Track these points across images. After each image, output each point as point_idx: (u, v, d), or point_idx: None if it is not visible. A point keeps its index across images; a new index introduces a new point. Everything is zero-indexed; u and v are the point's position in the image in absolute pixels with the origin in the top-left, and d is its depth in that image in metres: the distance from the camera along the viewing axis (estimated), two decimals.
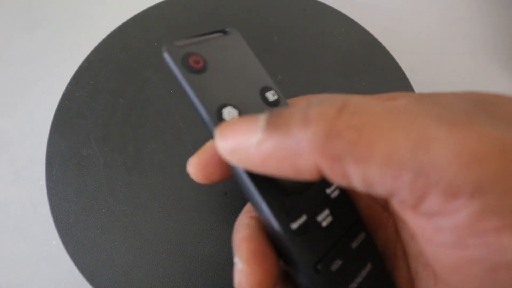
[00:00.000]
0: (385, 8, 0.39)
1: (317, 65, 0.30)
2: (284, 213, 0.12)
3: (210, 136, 0.13)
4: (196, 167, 0.15)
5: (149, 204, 0.24)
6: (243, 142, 0.11)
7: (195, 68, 0.13)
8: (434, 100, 0.11)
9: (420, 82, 0.31)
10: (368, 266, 0.13)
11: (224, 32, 0.15)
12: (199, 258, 0.23)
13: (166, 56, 0.13)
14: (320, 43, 0.31)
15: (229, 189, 0.25)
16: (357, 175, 0.10)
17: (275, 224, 0.12)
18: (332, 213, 0.13)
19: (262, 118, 0.11)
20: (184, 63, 0.13)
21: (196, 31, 0.31)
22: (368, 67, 0.30)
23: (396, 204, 0.12)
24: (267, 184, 0.13)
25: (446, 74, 0.35)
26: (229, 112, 0.13)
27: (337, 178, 0.10)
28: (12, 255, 0.27)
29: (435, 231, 0.10)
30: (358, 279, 0.13)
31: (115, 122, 0.27)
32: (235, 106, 0.13)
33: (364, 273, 0.13)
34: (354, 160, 0.10)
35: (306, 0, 0.33)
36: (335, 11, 0.33)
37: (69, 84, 0.28)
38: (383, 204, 0.15)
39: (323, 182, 0.14)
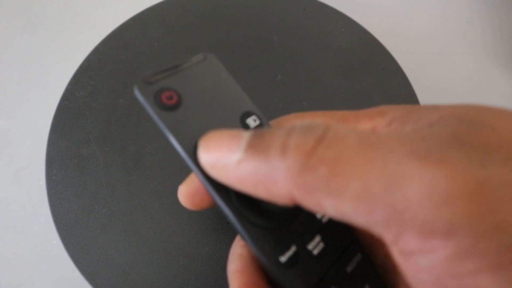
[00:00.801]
0: (385, 8, 0.39)
1: (317, 65, 0.30)
2: (272, 246, 0.12)
3: (190, 170, 0.13)
4: (185, 196, 0.15)
5: (149, 204, 0.24)
6: (223, 159, 0.11)
7: (168, 104, 0.13)
8: (415, 123, 0.11)
9: (420, 82, 0.31)
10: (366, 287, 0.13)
11: (199, 58, 0.14)
12: (199, 258, 0.23)
13: (138, 94, 0.12)
14: (320, 43, 0.31)
15: None
16: (331, 208, 0.10)
17: (263, 258, 0.12)
18: (323, 239, 0.13)
19: (245, 137, 0.11)
20: (157, 100, 0.12)
21: (196, 31, 0.31)
22: (368, 67, 0.30)
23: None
24: (252, 216, 0.12)
25: (446, 74, 0.35)
26: (203, 137, 0.13)
27: (312, 207, 0.10)
28: (12, 255, 0.27)
29: (415, 268, 0.10)
30: None
31: (115, 122, 0.27)
32: None
33: None
34: (327, 193, 0.10)
35: (306, 0, 0.33)
36: (335, 11, 0.33)
37: (69, 84, 0.28)
38: (372, 233, 0.15)
39: None
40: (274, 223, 0.12)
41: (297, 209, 0.13)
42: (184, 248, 0.23)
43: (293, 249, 0.12)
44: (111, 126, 0.27)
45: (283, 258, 0.12)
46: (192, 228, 0.24)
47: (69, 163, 0.26)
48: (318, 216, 0.13)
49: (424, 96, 0.31)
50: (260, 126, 0.14)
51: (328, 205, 0.10)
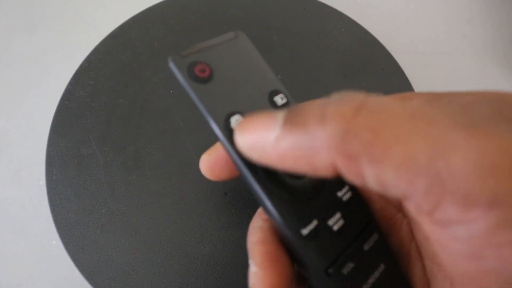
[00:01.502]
0: (385, 8, 0.39)
1: (317, 65, 0.30)
2: (295, 219, 0.12)
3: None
4: (206, 165, 0.15)
5: (149, 204, 0.24)
6: (261, 139, 0.11)
7: (201, 77, 0.13)
8: (452, 101, 0.11)
9: (420, 82, 0.31)
10: (381, 267, 0.13)
11: (230, 35, 0.15)
12: (199, 258, 0.23)
13: (172, 66, 0.13)
14: (320, 43, 0.31)
15: (229, 189, 0.25)
16: (372, 176, 0.10)
17: (285, 230, 0.12)
18: (343, 216, 0.13)
19: (280, 115, 0.11)
20: (190, 73, 0.13)
21: (196, 31, 0.31)
22: (368, 67, 0.30)
23: (411, 207, 0.12)
24: (278, 190, 0.13)
25: (446, 74, 0.35)
26: (237, 121, 0.13)
27: (352, 177, 0.10)
28: (12, 255, 0.27)
29: (451, 239, 0.10)
30: (371, 280, 0.13)
31: (115, 122, 0.27)
32: (242, 114, 0.13)
33: (377, 274, 0.13)
34: (369, 160, 0.10)
35: (306, 0, 0.33)
36: (335, 11, 0.33)
37: (69, 84, 0.28)
38: (397, 206, 0.15)
39: (335, 185, 0.14)
40: (298, 198, 0.13)
41: (320, 186, 0.13)
42: (184, 248, 0.23)
43: (314, 223, 0.13)
44: (111, 126, 0.27)
45: (304, 231, 0.12)
46: (192, 228, 0.24)
47: (69, 163, 0.26)
48: (339, 194, 0.14)
49: None
50: (287, 104, 0.14)
51: (369, 173, 0.10)
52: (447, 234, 0.10)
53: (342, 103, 0.10)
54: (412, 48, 0.37)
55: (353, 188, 0.14)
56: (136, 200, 0.24)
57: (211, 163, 0.15)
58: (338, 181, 0.14)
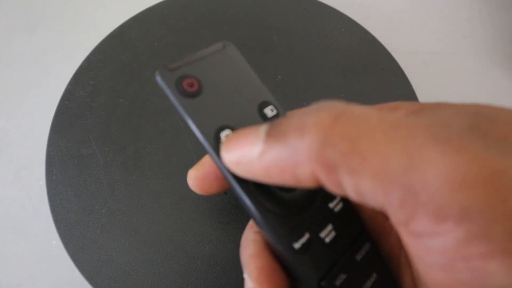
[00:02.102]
0: (385, 8, 0.39)
1: (317, 65, 0.30)
2: (286, 233, 0.12)
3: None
4: (194, 181, 0.15)
5: (149, 204, 0.24)
6: (246, 154, 0.11)
7: (189, 91, 0.13)
8: (434, 114, 0.11)
9: (420, 82, 0.31)
10: (374, 276, 0.13)
11: (218, 46, 0.15)
12: (199, 258, 0.23)
13: (160, 81, 0.13)
14: (320, 43, 0.31)
15: (229, 189, 0.25)
16: (350, 186, 0.10)
17: (276, 244, 0.12)
18: (335, 228, 0.13)
19: (262, 129, 0.11)
20: (178, 87, 0.13)
21: (196, 31, 0.31)
22: (368, 67, 0.30)
23: (391, 217, 0.12)
24: (268, 203, 0.13)
25: (446, 74, 0.35)
26: (226, 135, 0.13)
27: (332, 187, 0.11)
28: (12, 255, 0.27)
29: (425, 250, 0.11)
30: None
31: (115, 122, 0.27)
32: (232, 128, 0.13)
33: (369, 283, 0.13)
34: (347, 171, 0.10)
35: (306, 0, 0.33)
36: (335, 11, 0.33)
37: (69, 84, 0.28)
38: (385, 214, 0.15)
39: (326, 196, 0.14)
40: (289, 211, 0.13)
41: (311, 199, 0.13)
42: (184, 248, 0.23)
43: (306, 236, 0.13)
44: (111, 126, 0.27)
45: (296, 245, 0.12)
46: (192, 228, 0.24)
47: (69, 163, 0.26)
48: (331, 205, 0.14)
49: (424, 96, 0.31)
50: (277, 116, 0.14)
51: (348, 183, 0.10)
52: (421, 245, 0.11)
53: (321, 113, 0.10)
54: (412, 48, 0.37)
55: (344, 199, 0.14)
56: (136, 200, 0.24)
57: (199, 178, 0.15)
58: (329, 192, 0.14)
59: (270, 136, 0.11)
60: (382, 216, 0.15)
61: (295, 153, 0.10)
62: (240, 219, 0.24)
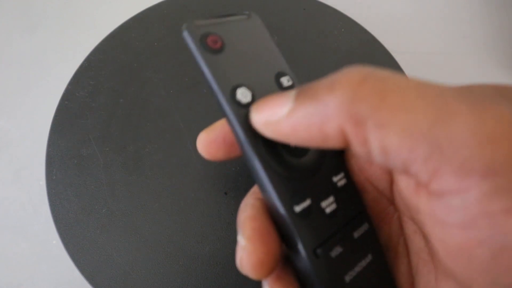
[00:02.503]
0: (385, 8, 0.39)
1: (317, 65, 0.30)
2: (289, 196, 0.13)
3: (221, 115, 0.13)
4: (202, 143, 0.16)
5: (149, 204, 0.24)
6: (275, 114, 0.12)
7: (212, 48, 0.13)
8: (460, 86, 0.12)
9: None
10: (369, 257, 0.14)
11: (244, 15, 0.15)
12: (199, 258, 0.23)
13: (185, 34, 0.13)
14: (320, 43, 0.31)
15: (229, 189, 0.25)
16: (376, 141, 0.10)
17: (279, 205, 0.12)
18: (336, 201, 0.14)
19: (292, 92, 0.12)
20: (203, 42, 0.13)
21: None
22: None
23: (408, 184, 0.12)
24: (275, 165, 0.13)
25: (446, 74, 0.35)
26: (242, 93, 0.13)
27: (358, 144, 0.11)
28: (12, 255, 0.27)
29: (445, 210, 0.11)
30: (357, 268, 0.13)
31: (115, 122, 0.27)
32: (249, 88, 0.13)
33: (363, 263, 0.13)
34: (375, 125, 0.10)
35: (306, 0, 0.33)
36: (335, 11, 0.33)
37: (69, 84, 0.28)
38: (390, 198, 0.15)
39: (331, 169, 0.14)
40: (294, 175, 0.13)
41: (316, 167, 0.14)
42: (184, 248, 0.23)
43: (308, 202, 0.13)
44: (111, 126, 0.27)
45: (297, 208, 0.13)
46: (192, 228, 0.24)
47: (69, 163, 0.26)
48: (335, 179, 0.14)
49: None
50: (292, 86, 0.15)
51: (374, 138, 0.10)
52: (442, 205, 0.11)
53: (351, 72, 0.11)
54: (412, 48, 0.37)
55: (348, 176, 0.15)
56: (136, 200, 0.24)
57: (208, 141, 0.15)
58: (335, 166, 0.14)
59: (300, 95, 0.11)
60: (385, 201, 0.15)
61: (324, 108, 0.11)
62: None
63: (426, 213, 0.12)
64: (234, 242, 0.23)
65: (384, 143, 0.10)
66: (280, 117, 0.12)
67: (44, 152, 0.26)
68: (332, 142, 0.11)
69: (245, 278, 0.23)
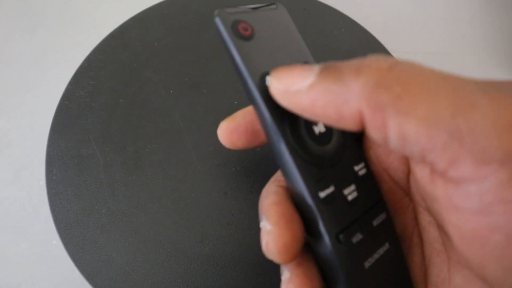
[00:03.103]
0: (385, 8, 0.39)
1: None
2: (314, 181, 0.13)
3: (249, 101, 0.14)
4: (224, 132, 0.16)
5: (149, 204, 0.24)
6: (296, 84, 0.12)
7: (243, 34, 0.14)
8: (480, 79, 0.12)
9: None
10: (386, 246, 0.14)
11: (272, 5, 0.16)
12: (199, 258, 0.23)
13: (217, 20, 0.13)
14: (320, 43, 0.31)
15: (229, 189, 0.25)
16: (395, 128, 0.10)
17: (304, 190, 0.13)
18: (357, 189, 0.14)
19: (316, 66, 0.12)
20: (234, 29, 0.14)
21: (196, 31, 0.31)
22: None
23: (424, 171, 0.13)
24: (302, 151, 0.13)
25: None
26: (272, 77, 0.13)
27: (375, 129, 0.11)
28: (12, 255, 0.27)
29: (461, 196, 0.11)
30: (376, 255, 0.13)
31: (115, 122, 0.27)
32: None
33: (381, 251, 0.14)
34: (395, 112, 0.10)
35: (306, 0, 0.33)
36: (335, 11, 0.33)
37: (69, 84, 0.28)
38: (405, 189, 0.15)
39: (353, 158, 0.14)
40: (319, 161, 0.13)
41: (338, 156, 0.14)
42: (184, 248, 0.23)
43: (331, 188, 0.13)
44: (111, 126, 0.27)
45: (322, 194, 0.13)
46: (192, 228, 0.24)
47: (69, 163, 0.26)
48: (356, 168, 0.14)
49: None
50: None
51: (393, 125, 0.10)
52: (458, 192, 0.11)
53: (379, 58, 0.11)
54: (412, 48, 0.37)
55: (368, 166, 0.15)
56: (136, 200, 0.24)
57: (229, 130, 0.16)
58: (356, 156, 0.15)
59: (324, 71, 0.11)
60: (400, 191, 0.15)
61: (347, 90, 0.11)
62: (240, 219, 0.24)
63: (443, 200, 0.12)
64: (234, 242, 0.23)
65: (403, 130, 0.10)
66: (299, 88, 0.12)
67: (44, 152, 0.26)
68: (347, 123, 0.11)
69: (245, 278, 0.23)
